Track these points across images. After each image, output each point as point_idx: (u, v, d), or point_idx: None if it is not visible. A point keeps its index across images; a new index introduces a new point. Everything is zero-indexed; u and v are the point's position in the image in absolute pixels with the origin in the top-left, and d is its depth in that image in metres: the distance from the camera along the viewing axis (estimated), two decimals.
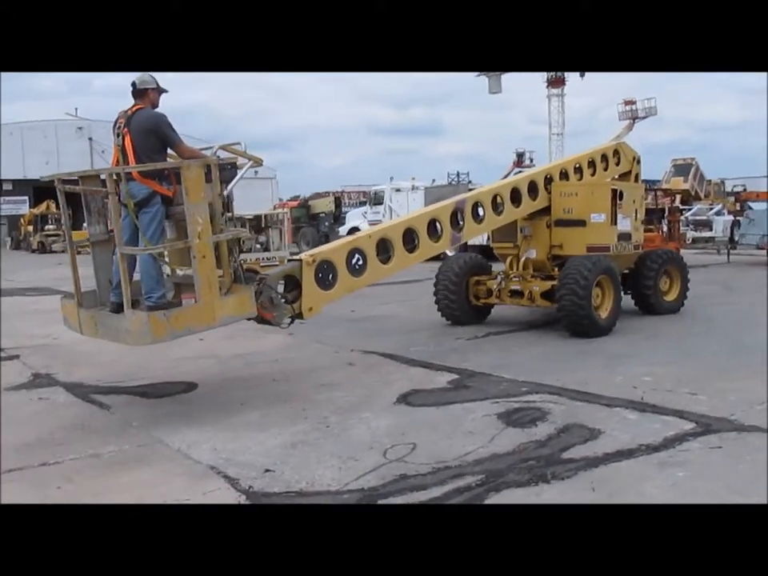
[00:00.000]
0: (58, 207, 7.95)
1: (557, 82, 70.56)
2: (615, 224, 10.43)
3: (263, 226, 14.21)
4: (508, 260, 11.04)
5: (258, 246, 14.28)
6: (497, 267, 11.44)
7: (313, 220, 31.14)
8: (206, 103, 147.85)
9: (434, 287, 11.18)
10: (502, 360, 8.22)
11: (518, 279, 10.59)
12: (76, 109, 55.71)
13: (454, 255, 12.35)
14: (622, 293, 10.80)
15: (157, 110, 6.62)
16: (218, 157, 6.69)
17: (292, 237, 30.13)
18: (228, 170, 6.70)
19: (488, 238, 23.35)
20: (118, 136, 6.46)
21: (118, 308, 6.25)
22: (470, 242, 23.12)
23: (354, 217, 28.26)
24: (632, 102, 45.84)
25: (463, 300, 10.82)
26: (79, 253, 6.95)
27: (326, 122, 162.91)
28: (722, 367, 7.61)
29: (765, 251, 21.75)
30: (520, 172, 20.83)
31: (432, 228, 9.03)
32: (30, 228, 43.82)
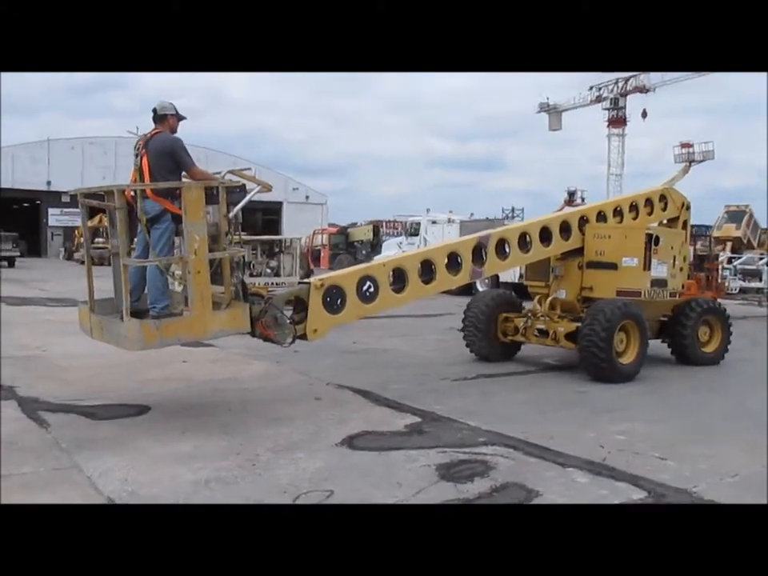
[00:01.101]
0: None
1: (617, 122, 69.81)
2: (648, 269, 10.16)
3: (276, 250, 14.07)
4: (536, 298, 10.91)
5: (269, 270, 14.12)
6: (530, 305, 11.11)
7: (351, 247, 31.04)
8: (270, 128, 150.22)
9: (462, 322, 10.99)
10: (478, 405, 7.78)
11: (544, 319, 10.39)
12: (137, 127, 56.65)
13: (484, 291, 12.04)
14: (661, 341, 10.91)
15: (175, 134, 7.04)
16: (230, 180, 7.06)
17: (329, 262, 30.08)
18: (236, 193, 7.03)
19: (520, 276, 23.07)
20: (137, 156, 6.90)
21: (131, 315, 6.47)
22: (501, 278, 22.99)
23: (390, 246, 27.99)
24: (689, 145, 44.60)
25: (491, 336, 10.69)
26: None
27: (385, 151, 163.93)
28: (710, 430, 7.04)
29: None
30: None
31: (451, 261, 9.00)
32: (82, 240, 44.85)
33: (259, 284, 13.43)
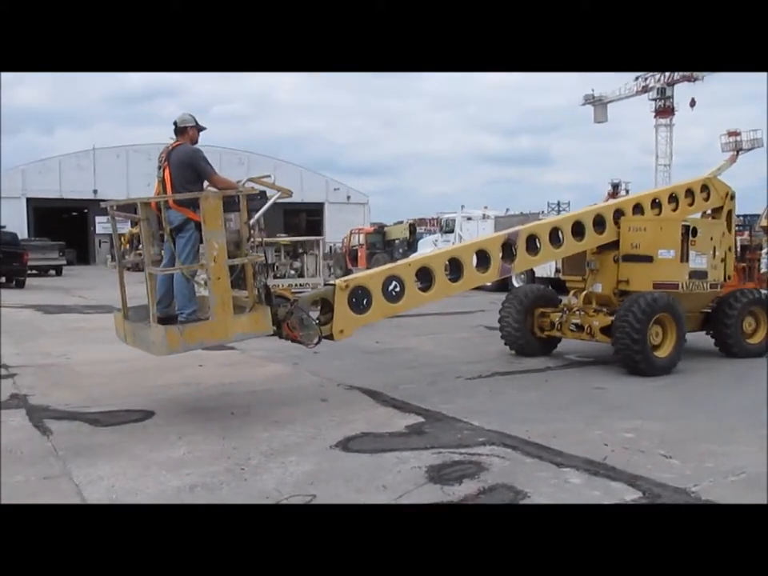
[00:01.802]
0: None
1: (665, 112, 68.42)
2: (686, 261, 10.06)
3: (299, 251, 14.04)
4: (571, 293, 10.92)
5: (293, 272, 14.10)
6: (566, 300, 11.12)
7: (388, 246, 30.96)
8: (319, 131, 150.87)
9: (499, 317, 11.07)
10: (487, 404, 7.63)
11: (579, 313, 10.36)
12: None
13: (521, 286, 12.03)
14: (705, 333, 10.90)
15: (196, 145, 7.26)
16: (250, 187, 7.21)
17: (366, 262, 30.05)
18: (257, 200, 7.15)
19: (556, 270, 22.73)
20: (159, 169, 7.13)
21: (161, 321, 6.76)
22: (537, 273, 22.69)
23: (425, 244, 27.85)
24: (736, 134, 43.47)
25: (527, 331, 10.73)
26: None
27: (433, 149, 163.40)
28: (725, 427, 6.77)
29: None
30: None
31: (480, 258, 9.06)
32: (128, 246, 45.67)
33: (283, 286, 13.44)
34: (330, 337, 7.57)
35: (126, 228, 52.20)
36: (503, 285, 23.67)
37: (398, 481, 5.17)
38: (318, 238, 14.46)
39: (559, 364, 10.22)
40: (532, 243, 9.53)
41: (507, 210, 27.76)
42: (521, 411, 7.30)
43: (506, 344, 10.94)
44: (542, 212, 25.02)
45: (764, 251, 26.56)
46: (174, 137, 7.25)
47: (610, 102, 72.05)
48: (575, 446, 6.02)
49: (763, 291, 15.04)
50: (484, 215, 25.74)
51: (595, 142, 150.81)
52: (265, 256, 7.43)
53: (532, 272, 22.72)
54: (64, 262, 37.65)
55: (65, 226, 54.78)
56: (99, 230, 53.68)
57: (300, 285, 13.33)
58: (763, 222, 33.24)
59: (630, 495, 4.90)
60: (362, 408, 7.43)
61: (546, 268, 21.74)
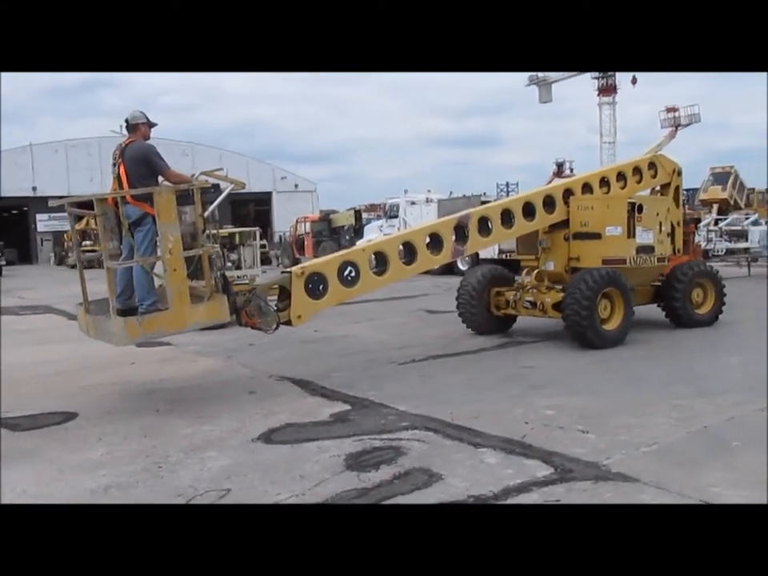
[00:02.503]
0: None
1: (607, 90, 69.21)
2: (633, 237, 10.38)
3: (236, 243, 13.94)
4: (524, 272, 11.13)
5: (230, 263, 13.97)
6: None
7: (334, 233, 30.85)
8: (266, 119, 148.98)
9: (456, 296, 11.39)
10: (416, 388, 7.67)
11: (532, 291, 10.62)
12: (120, 126, 56.66)
13: (477, 266, 12.21)
14: (657, 305, 11.35)
15: (148, 140, 7.48)
16: (203, 181, 7.38)
17: (313, 250, 29.90)
18: (211, 193, 7.40)
19: (499, 251, 22.89)
20: (114, 166, 7.35)
21: (121, 313, 7.05)
22: (481, 255, 22.82)
23: (371, 230, 27.84)
24: (674, 110, 44.14)
25: (484, 310, 11.01)
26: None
27: (383, 135, 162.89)
28: (645, 399, 6.91)
29: None
30: None
31: (432, 242, 9.30)
32: (70, 244, 44.73)
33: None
34: (289, 322, 7.80)
35: (68, 225, 51.44)
36: (449, 268, 23.89)
37: (316, 470, 5.18)
38: (253, 228, 14.30)
39: (496, 344, 10.33)
40: (484, 225, 9.82)
41: (451, 192, 27.82)
42: (448, 394, 7.36)
43: (463, 322, 11.20)
44: (484, 193, 25.09)
45: (701, 224, 27.15)
46: (126, 133, 7.46)
47: (554, 81, 72.38)
48: (496, 426, 6.09)
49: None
50: (427, 199, 25.78)
51: (544, 122, 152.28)
52: (232, 242, 7.59)
53: (476, 254, 22.87)
54: (3, 263, 36.70)
55: (4, 225, 53.41)
56: (41, 228, 52.55)
57: (237, 276, 13.19)
58: (701, 196, 33.98)
59: (542, 472, 4.99)
60: (290, 399, 7.41)
61: (489, 250, 21.91)
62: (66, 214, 8.35)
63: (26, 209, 53.32)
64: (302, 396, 7.52)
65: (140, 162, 7.16)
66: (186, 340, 11.37)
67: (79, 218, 48.16)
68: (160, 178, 7.32)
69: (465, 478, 4.90)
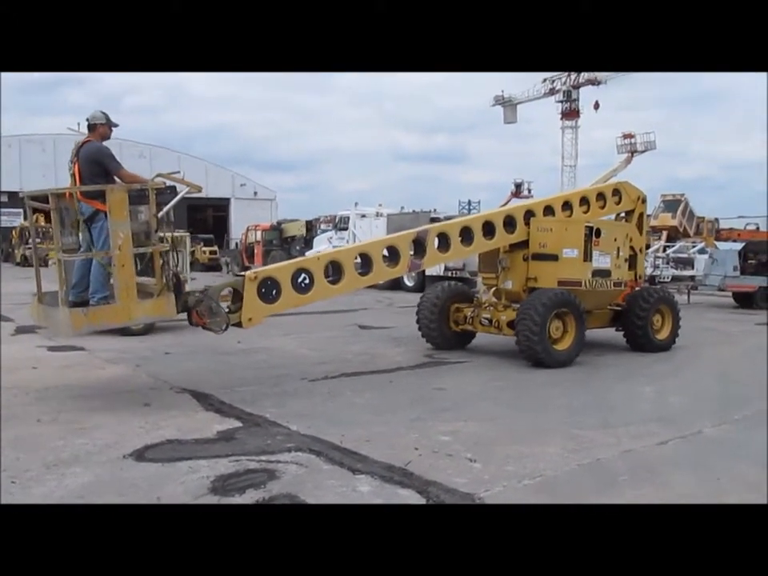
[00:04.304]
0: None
1: (570, 114, 69.91)
2: (589, 260, 10.50)
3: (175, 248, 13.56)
4: (482, 289, 11.54)
5: (168, 269, 13.57)
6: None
7: (285, 243, 30.54)
8: (231, 124, 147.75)
9: (416, 311, 11.49)
10: (317, 407, 7.42)
11: (490, 308, 10.81)
12: (78, 124, 55.53)
13: (437, 283, 12.07)
14: (615, 329, 11.66)
15: (107, 140, 7.82)
16: (163, 182, 7.53)
17: (262, 259, 29.56)
18: (167, 194, 7.48)
19: (445, 269, 22.77)
20: (71, 163, 7.67)
21: (74, 305, 7.32)
22: (427, 272, 22.67)
23: (320, 242, 27.62)
24: (631, 136, 44.78)
25: (444, 325, 11.16)
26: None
27: (350, 146, 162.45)
28: (546, 426, 6.75)
29: (729, 292, 20.73)
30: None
31: (390, 254, 9.41)
32: (18, 240, 43.72)
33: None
34: (239, 324, 7.95)
35: (17, 221, 50.22)
36: (395, 283, 23.77)
37: (177, 492, 4.88)
38: (184, 234, 13.96)
39: (416, 363, 10.14)
40: (443, 241, 9.94)
41: (402, 207, 27.75)
42: (348, 414, 7.12)
43: (423, 336, 11.33)
44: (434, 210, 25.02)
45: (649, 251, 27.37)
46: (87, 132, 7.76)
47: (519, 103, 73.11)
48: (384, 451, 5.85)
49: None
50: (377, 213, 25.65)
51: (509, 143, 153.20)
52: (174, 247, 7.59)
53: (423, 271, 22.76)
54: None
55: None
56: None
57: None
58: (652, 222, 34.36)
59: (413, 502, 4.76)
60: (182, 412, 7.09)
61: (436, 267, 21.90)
62: (16, 210, 8.64)
63: None
64: (195, 410, 7.20)
65: (92, 162, 7.47)
66: (100, 346, 11.00)
67: (33, 213, 47.52)
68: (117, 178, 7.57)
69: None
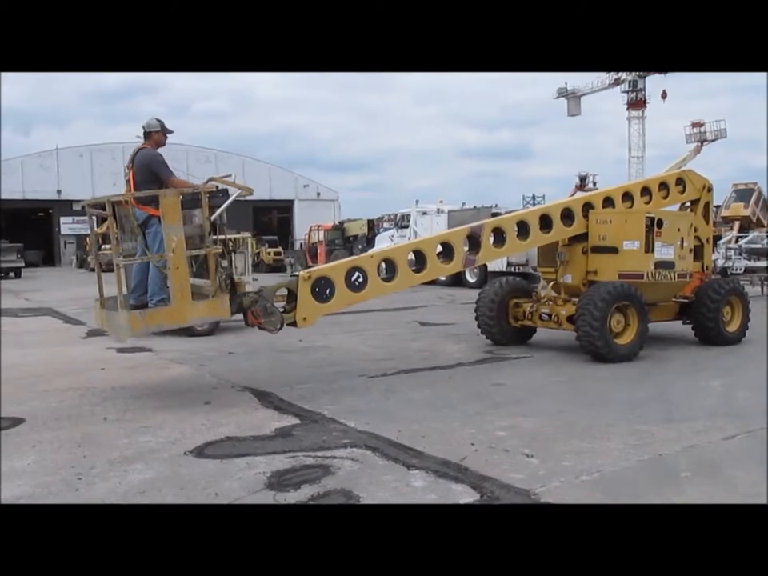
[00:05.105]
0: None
1: (637, 104, 68.52)
2: (651, 251, 10.30)
3: (228, 250, 13.76)
4: (540, 284, 11.32)
5: (222, 271, 13.81)
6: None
7: (347, 242, 30.76)
8: (297, 127, 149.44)
9: (475, 307, 11.44)
10: (373, 404, 7.45)
11: (549, 303, 10.67)
12: None
13: (496, 278, 11.99)
14: (682, 322, 11.39)
15: (163, 147, 7.97)
16: (215, 186, 7.68)
17: (325, 258, 29.82)
18: (219, 197, 7.54)
19: (507, 264, 22.55)
20: (127, 170, 7.92)
21: (134, 308, 7.53)
22: (489, 268, 22.48)
23: (382, 240, 27.65)
24: (700, 125, 43.54)
25: (503, 321, 11.07)
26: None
27: (416, 144, 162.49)
28: (606, 422, 6.61)
29: None
30: None
31: (444, 250, 9.41)
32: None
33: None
34: (294, 324, 8.04)
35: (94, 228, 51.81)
36: (457, 280, 23.65)
37: (234, 488, 4.97)
38: (246, 235, 14.19)
39: (476, 359, 10.08)
40: (499, 235, 9.86)
41: (463, 204, 27.58)
42: (405, 410, 7.12)
43: (482, 333, 11.24)
44: (495, 205, 24.76)
45: (720, 242, 26.51)
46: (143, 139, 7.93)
47: (583, 95, 71.99)
48: (440, 447, 5.84)
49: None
50: (438, 210, 25.58)
51: (575, 135, 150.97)
52: (227, 249, 7.82)
53: (485, 267, 22.58)
54: (22, 264, 37.14)
55: (31, 227, 54.13)
56: (64, 230, 53.19)
57: None
58: (723, 212, 33.29)
59: (466, 498, 4.73)
60: (242, 410, 7.21)
61: (498, 263, 21.74)
62: (98, 215, 8.73)
63: (50, 211, 53.98)
64: (255, 408, 7.32)
65: (145, 169, 7.65)
66: (166, 347, 11.29)
67: (103, 220, 49.03)
68: None
69: (382, 501, 4.66)
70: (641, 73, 65.94)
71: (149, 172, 7.64)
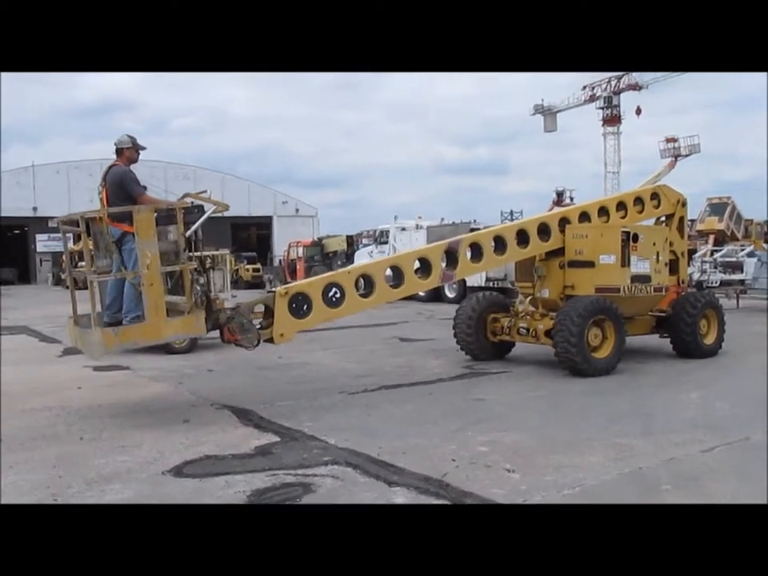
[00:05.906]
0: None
1: (612, 121, 69.30)
2: (627, 266, 10.36)
3: (205, 267, 13.68)
4: (518, 299, 11.37)
5: (198, 288, 13.72)
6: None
7: (326, 258, 30.74)
8: (274, 144, 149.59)
9: (453, 323, 11.40)
10: (354, 420, 7.41)
11: (527, 317, 10.70)
12: None
13: (473, 294, 12.01)
14: (659, 335, 11.47)
15: (135, 164, 7.96)
16: (191, 202, 7.64)
17: (305, 274, 29.74)
18: (194, 214, 7.51)
19: (486, 279, 22.61)
20: (100, 187, 7.87)
21: (110, 325, 7.50)
22: (468, 283, 22.55)
23: (361, 256, 27.67)
24: (674, 140, 44.08)
25: (481, 336, 11.08)
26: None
27: (394, 160, 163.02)
28: (586, 436, 6.63)
29: None
30: None
31: (421, 266, 9.41)
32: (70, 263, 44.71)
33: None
34: (271, 340, 8.00)
35: (68, 245, 51.41)
36: (437, 295, 23.70)
37: None
38: (224, 252, 14.13)
39: (456, 374, 10.08)
40: (476, 251, 9.88)
41: (442, 219, 27.69)
42: (386, 426, 7.10)
43: (461, 349, 11.22)
44: (474, 220, 24.92)
45: (696, 255, 26.80)
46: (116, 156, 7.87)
47: (559, 111, 72.72)
48: (421, 463, 5.82)
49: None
50: (417, 225, 25.66)
51: (551, 151, 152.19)
52: (203, 265, 7.82)
53: (463, 282, 22.66)
54: None
55: (7, 244, 53.55)
56: (40, 248, 52.68)
57: None
58: (698, 226, 33.65)
59: None
60: (220, 428, 7.14)
61: (476, 278, 21.83)
62: (71, 232, 8.80)
63: (26, 228, 53.48)
64: (234, 426, 7.25)
65: (117, 186, 7.61)
66: (144, 365, 11.18)
67: (79, 237, 48.66)
68: None
69: None
70: (615, 89, 66.85)
71: (121, 189, 7.61)
